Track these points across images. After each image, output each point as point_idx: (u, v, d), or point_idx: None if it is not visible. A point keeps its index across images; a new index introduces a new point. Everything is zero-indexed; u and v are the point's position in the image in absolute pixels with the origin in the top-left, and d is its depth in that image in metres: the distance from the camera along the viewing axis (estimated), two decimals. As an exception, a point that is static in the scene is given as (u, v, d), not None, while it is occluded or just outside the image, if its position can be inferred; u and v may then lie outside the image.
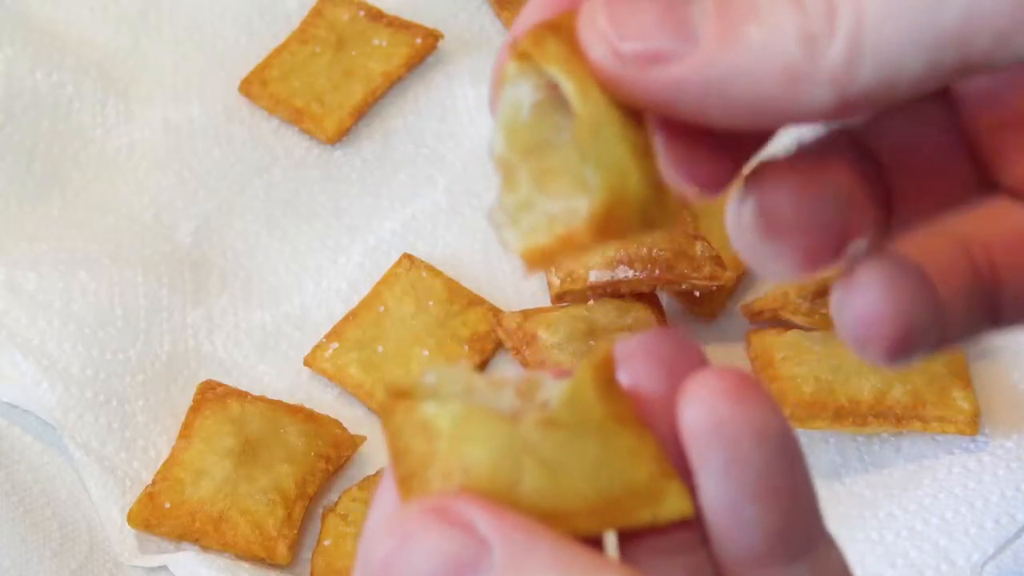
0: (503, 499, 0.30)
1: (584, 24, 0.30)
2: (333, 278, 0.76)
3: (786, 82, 0.29)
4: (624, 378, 0.32)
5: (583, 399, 0.31)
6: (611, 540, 0.32)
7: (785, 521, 0.31)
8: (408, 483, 0.31)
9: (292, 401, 0.71)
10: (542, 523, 0.30)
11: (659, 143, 0.31)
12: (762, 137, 0.32)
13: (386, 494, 0.32)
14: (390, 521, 0.30)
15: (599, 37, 0.30)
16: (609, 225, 0.30)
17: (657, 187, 0.30)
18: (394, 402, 0.31)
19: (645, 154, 0.30)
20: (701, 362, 0.32)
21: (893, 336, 0.31)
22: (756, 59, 0.29)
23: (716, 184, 0.31)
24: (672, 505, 0.31)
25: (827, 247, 0.32)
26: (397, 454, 0.31)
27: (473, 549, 0.29)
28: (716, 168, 0.31)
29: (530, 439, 0.30)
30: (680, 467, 0.31)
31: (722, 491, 0.31)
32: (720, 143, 0.31)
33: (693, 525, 0.32)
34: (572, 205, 0.30)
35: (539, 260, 0.31)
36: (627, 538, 0.32)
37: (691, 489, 0.31)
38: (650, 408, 0.32)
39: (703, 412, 0.31)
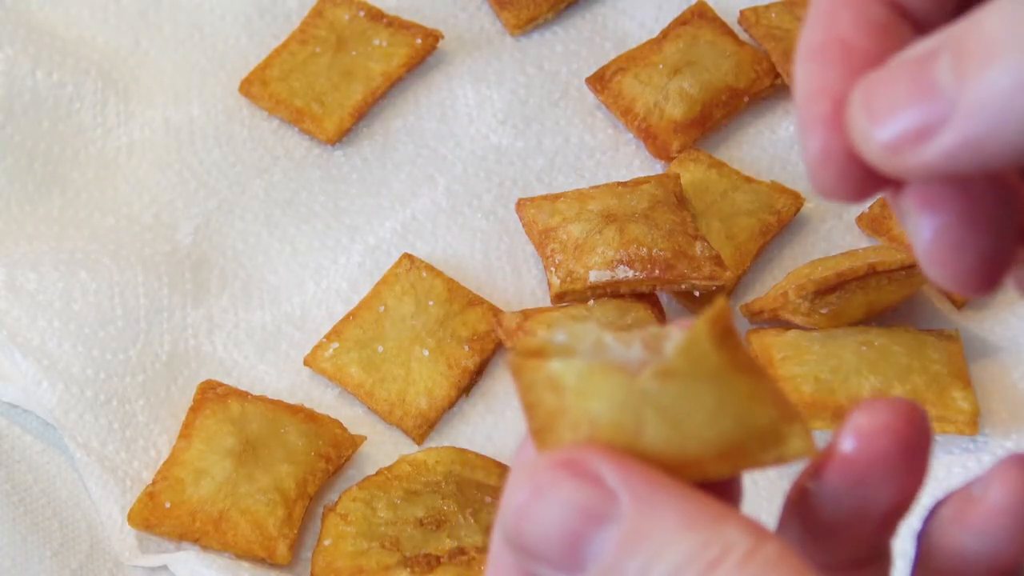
0: (628, 449, 0.31)
1: (850, 115, 0.30)
2: (333, 278, 0.76)
3: None
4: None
5: (699, 349, 0.31)
6: None
7: None
8: (542, 434, 0.32)
9: (292, 401, 0.71)
10: (667, 470, 0.31)
11: (926, 240, 0.32)
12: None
13: (528, 445, 0.33)
14: (524, 472, 0.31)
15: (862, 132, 0.30)
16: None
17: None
18: (524, 360, 0.32)
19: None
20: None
21: None
22: (1012, 103, 0.28)
23: (988, 279, 0.33)
24: (796, 446, 0.32)
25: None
26: (529, 408, 0.32)
27: (601, 500, 0.31)
28: (987, 255, 0.32)
29: (648, 390, 0.31)
30: None
31: None
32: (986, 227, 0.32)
33: None
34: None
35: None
36: None
37: None
38: None
39: None
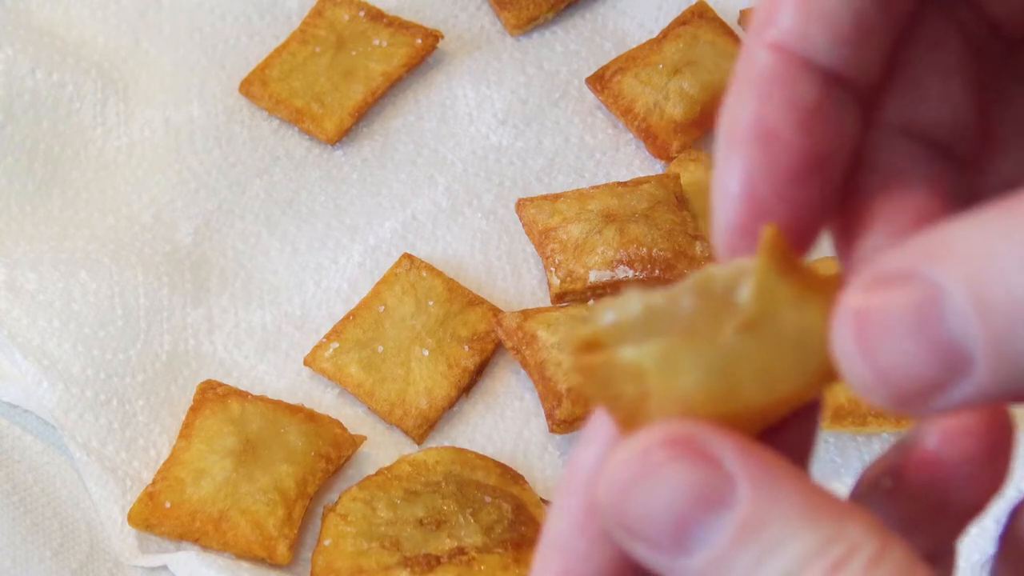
0: (729, 412, 0.30)
1: (840, 351, 0.29)
2: (333, 278, 0.76)
3: None
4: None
5: (769, 287, 0.30)
6: None
7: None
8: (631, 424, 0.30)
9: (292, 401, 0.71)
10: (772, 414, 0.30)
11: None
12: None
13: (598, 429, 0.32)
14: (629, 448, 0.29)
15: (866, 386, 0.28)
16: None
17: None
18: (589, 357, 0.30)
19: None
20: None
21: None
22: None
23: None
24: None
25: None
26: (610, 404, 0.30)
27: (718, 484, 0.29)
28: None
29: (735, 348, 0.30)
30: None
31: None
32: None
33: None
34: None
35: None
36: None
37: None
38: None
39: None
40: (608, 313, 0.30)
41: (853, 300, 0.28)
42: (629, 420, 0.30)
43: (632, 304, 0.30)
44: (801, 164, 0.31)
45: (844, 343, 0.28)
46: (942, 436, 0.32)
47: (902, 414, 0.29)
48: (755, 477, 0.29)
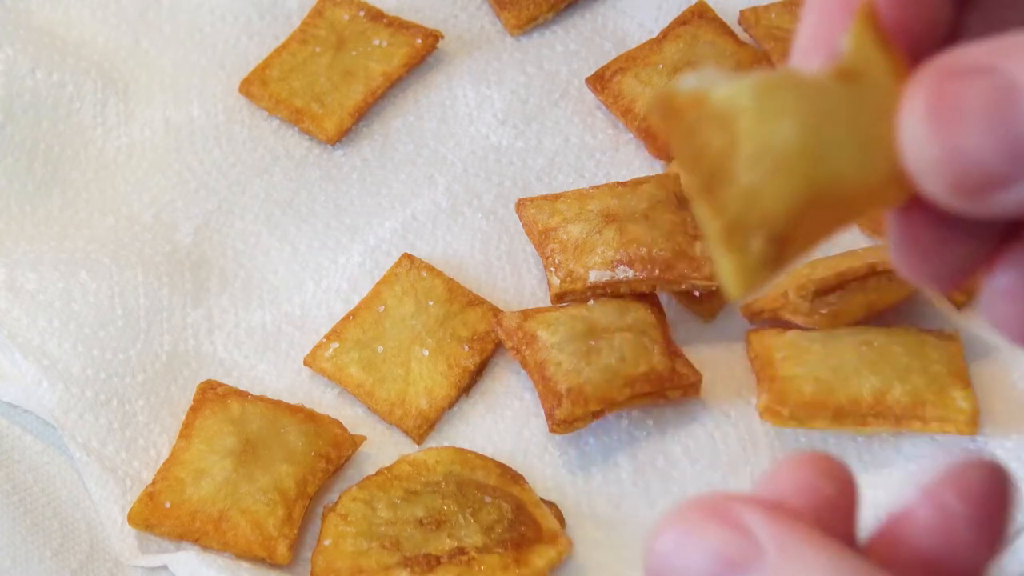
0: (818, 187, 0.28)
1: (909, 127, 0.28)
2: (333, 278, 0.76)
3: None
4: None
5: (865, 43, 0.29)
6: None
7: None
8: (713, 185, 0.29)
9: (292, 401, 0.71)
10: (859, 202, 0.29)
11: (894, 243, 0.31)
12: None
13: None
14: (670, 516, 0.32)
15: (931, 170, 0.28)
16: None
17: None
18: (672, 106, 0.29)
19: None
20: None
21: None
22: None
23: (954, 280, 0.32)
24: None
25: None
26: (693, 158, 0.29)
27: (747, 551, 0.31)
28: (957, 264, 0.32)
29: (832, 98, 0.28)
30: None
31: None
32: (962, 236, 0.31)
33: None
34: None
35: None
36: None
37: None
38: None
39: None
40: (690, 79, 0.29)
41: (929, 81, 0.28)
42: (713, 181, 0.29)
43: (714, 74, 0.29)
44: (891, 33, 0.31)
45: (915, 120, 0.28)
46: (934, 505, 0.33)
47: (956, 205, 0.28)
48: (782, 545, 0.30)
